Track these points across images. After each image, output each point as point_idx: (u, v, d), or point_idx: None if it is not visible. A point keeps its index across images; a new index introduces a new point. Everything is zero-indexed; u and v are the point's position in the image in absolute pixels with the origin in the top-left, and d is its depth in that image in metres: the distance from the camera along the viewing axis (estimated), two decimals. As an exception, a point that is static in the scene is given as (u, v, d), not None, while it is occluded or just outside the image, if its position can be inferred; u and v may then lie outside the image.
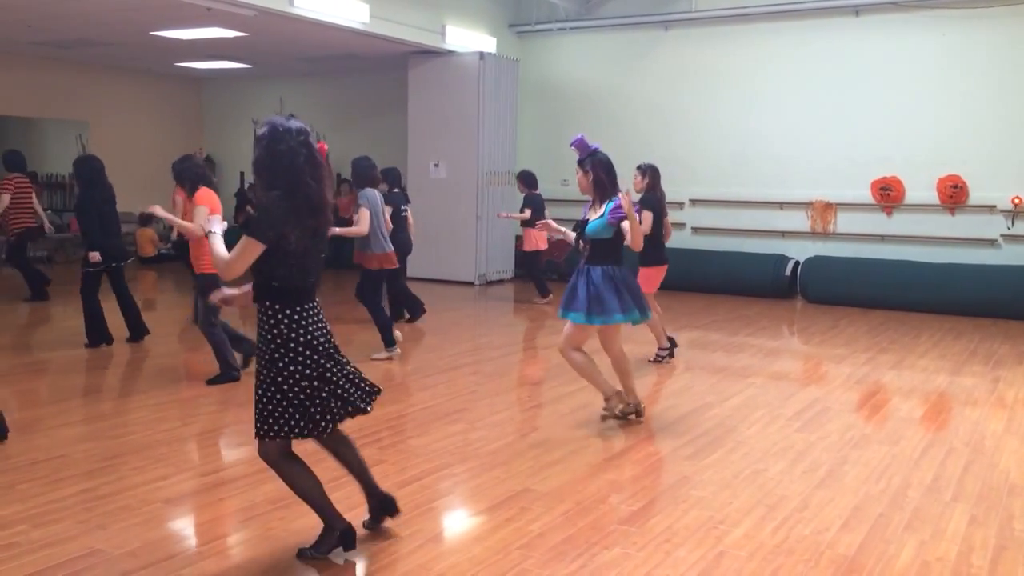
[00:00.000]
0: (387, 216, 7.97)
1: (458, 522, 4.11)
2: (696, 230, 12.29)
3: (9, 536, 3.69)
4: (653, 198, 7.15)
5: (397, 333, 7.64)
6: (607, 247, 5.20)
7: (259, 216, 3.24)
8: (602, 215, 5.16)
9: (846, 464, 4.85)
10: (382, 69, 13.99)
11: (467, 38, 12.15)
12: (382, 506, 3.77)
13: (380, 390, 3.63)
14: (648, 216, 7.01)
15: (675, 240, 12.18)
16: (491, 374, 7.12)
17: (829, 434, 5.43)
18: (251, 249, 3.22)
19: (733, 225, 11.98)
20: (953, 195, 10.64)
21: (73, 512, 3.97)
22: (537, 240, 10.46)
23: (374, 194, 7.28)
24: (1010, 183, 10.39)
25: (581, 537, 3.79)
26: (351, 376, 3.50)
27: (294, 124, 3.34)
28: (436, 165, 12.56)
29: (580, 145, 5.18)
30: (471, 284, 12.41)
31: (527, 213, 10.26)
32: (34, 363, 7.14)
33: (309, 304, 3.36)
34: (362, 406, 3.52)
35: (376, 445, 5.07)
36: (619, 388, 5.53)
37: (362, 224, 7.09)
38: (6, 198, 9.76)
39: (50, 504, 4.06)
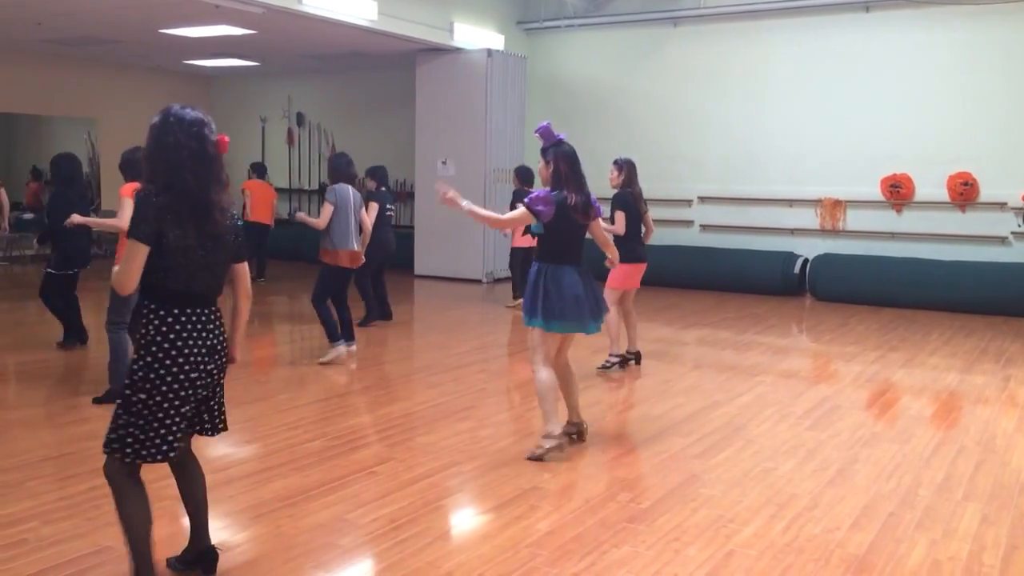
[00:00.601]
0: (370, 214, 7.93)
1: (467, 520, 4.10)
2: (704, 227, 12.26)
3: (19, 533, 3.70)
4: (625, 196, 6.90)
5: (345, 348, 7.26)
6: (543, 240, 4.84)
7: (135, 213, 2.98)
8: None
9: (856, 463, 4.82)
10: (390, 66, 13.99)
11: (475, 35, 12.14)
12: (199, 559, 3.34)
13: (225, 428, 3.34)
14: (620, 216, 6.80)
15: (683, 238, 12.22)
16: (499, 372, 7.11)
17: (839, 432, 5.40)
18: (135, 251, 2.94)
19: (742, 222, 11.94)
20: (963, 192, 10.58)
21: (82, 509, 3.98)
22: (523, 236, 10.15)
23: (344, 189, 7.13)
24: (1021, 180, 10.32)
25: (590, 535, 3.78)
26: (210, 406, 3.24)
27: (188, 114, 3.06)
28: (444, 162, 12.55)
29: (544, 133, 4.83)
30: (479, 282, 12.40)
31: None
32: (37, 361, 7.15)
33: (191, 310, 3.06)
34: (204, 430, 3.26)
35: (385, 442, 5.07)
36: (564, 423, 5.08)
37: (322, 218, 6.99)
38: None
39: (59, 501, 4.07)
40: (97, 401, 5.78)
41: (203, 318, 3.11)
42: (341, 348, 7.17)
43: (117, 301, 5.90)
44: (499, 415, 5.71)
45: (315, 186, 15.70)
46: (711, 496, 4.28)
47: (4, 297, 10.50)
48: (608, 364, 6.95)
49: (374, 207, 8.50)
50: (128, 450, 3.01)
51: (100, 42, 12.81)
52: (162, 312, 3.03)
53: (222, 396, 3.31)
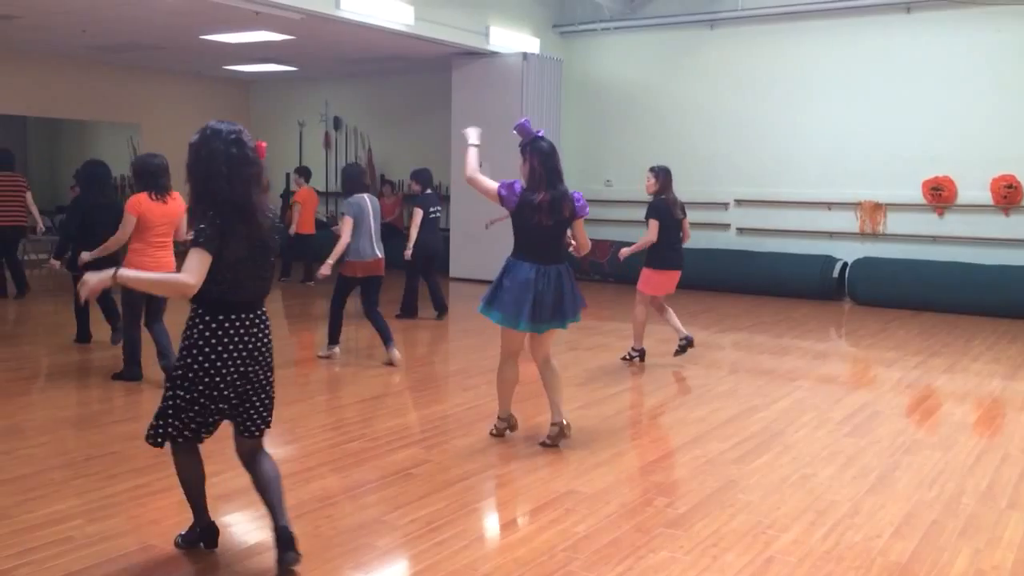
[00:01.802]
0: (415, 219, 8.06)
1: (503, 523, 4.11)
2: (741, 230, 12.17)
3: (65, 530, 3.78)
4: (658, 205, 7.01)
5: (395, 354, 7.18)
6: (514, 231, 4.80)
7: (204, 226, 3.13)
8: None
9: (897, 470, 4.76)
10: (426, 70, 14.07)
11: (511, 39, 12.16)
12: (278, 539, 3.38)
13: (267, 427, 3.55)
14: (653, 224, 6.94)
15: (720, 241, 12.14)
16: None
17: (880, 439, 5.33)
18: (202, 259, 3.11)
19: (779, 226, 11.83)
20: (1007, 195, 10.39)
21: (127, 507, 4.05)
22: None
23: (361, 199, 7.16)
24: (1068, 183, 10.12)
25: (626, 540, 3.77)
26: (252, 404, 3.44)
27: (223, 126, 3.23)
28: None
29: (522, 129, 4.76)
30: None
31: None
32: (82, 361, 7.29)
33: (236, 316, 3.26)
34: (246, 431, 3.48)
35: (421, 445, 5.10)
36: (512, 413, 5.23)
37: (344, 234, 7.01)
38: None
39: (104, 499, 4.15)
40: (115, 377, 6.38)
41: (246, 322, 3.29)
42: (336, 351, 7.39)
43: (131, 304, 6.20)
44: (535, 418, 5.71)
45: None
46: (749, 502, 4.25)
47: (49, 298, 10.72)
48: (629, 356, 7.33)
49: (418, 212, 8.64)
50: (160, 438, 3.37)
51: (143, 48, 13.04)
52: (207, 318, 3.23)
53: (268, 397, 3.48)
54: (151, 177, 6.00)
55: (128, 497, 4.18)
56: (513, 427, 5.27)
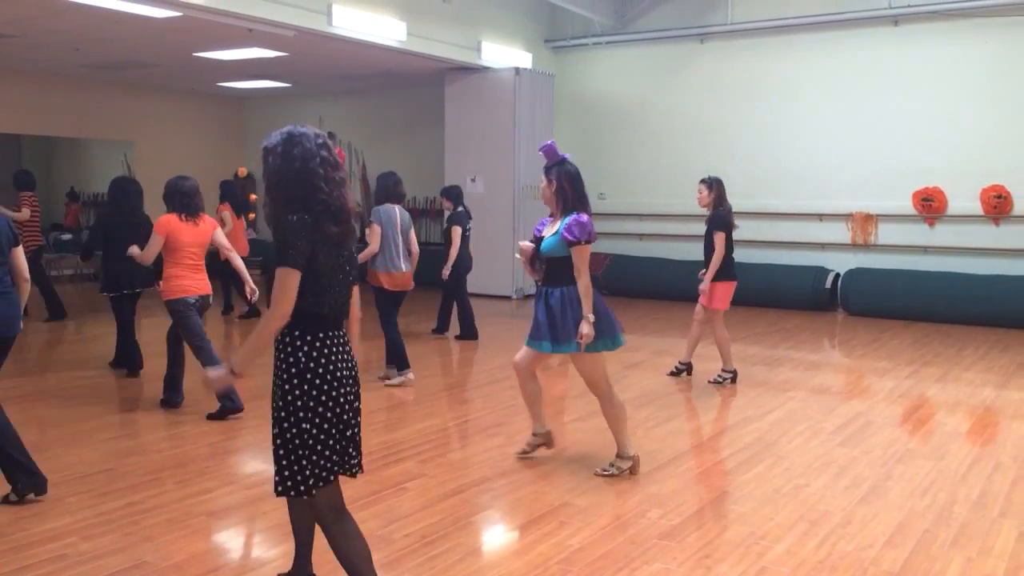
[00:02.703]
0: (454, 239, 8.04)
1: (498, 536, 4.12)
2: (735, 242, 12.20)
3: (59, 548, 3.78)
4: (722, 215, 6.88)
5: (409, 376, 7.12)
6: (564, 266, 4.60)
7: (286, 240, 2.82)
8: (556, 231, 4.62)
9: (890, 479, 4.78)
10: (419, 85, 14.14)
11: (503, 54, 12.24)
12: None
13: (362, 470, 3.15)
14: (720, 237, 6.80)
15: (713, 253, 12.16)
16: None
17: (872, 449, 5.35)
18: (291, 280, 2.80)
19: (772, 237, 11.88)
20: (997, 205, 10.46)
21: (120, 525, 4.05)
22: None
23: (391, 210, 6.97)
24: (1057, 192, 10.20)
25: (620, 552, 3.79)
26: (355, 438, 3.04)
27: (309, 130, 3.00)
28: (473, 180, 12.63)
29: (549, 151, 4.72)
30: (508, 298, 12.44)
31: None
32: (78, 379, 7.29)
33: (334, 333, 2.94)
34: (351, 468, 3.06)
35: (416, 459, 5.11)
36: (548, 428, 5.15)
37: (372, 243, 6.84)
38: (26, 212, 9.84)
39: (98, 517, 4.15)
40: (210, 417, 5.93)
41: (342, 340, 2.98)
42: (410, 376, 7.06)
43: (193, 330, 5.96)
44: (529, 432, 5.71)
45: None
46: (742, 513, 4.26)
47: (46, 316, 10.70)
48: (720, 379, 7.06)
49: (457, 229, 8.59)
50: (302, 485, 2.90)
51: (136, 66, 13.08)
52: (308, 337, 2.88)
53: (359, 430, 3.10)
54: (182, 197, 5.96)
55: (122, 514, 4.18)
56: (550, 444, 5.13)
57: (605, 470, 4.80)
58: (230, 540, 4.01)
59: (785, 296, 11.35)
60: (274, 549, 3.85)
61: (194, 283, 5.95)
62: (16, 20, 9.79)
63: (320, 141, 2.97)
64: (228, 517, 4.21)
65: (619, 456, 4.83)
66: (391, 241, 6.91)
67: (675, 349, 8.45)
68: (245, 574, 3.57)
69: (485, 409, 6.28)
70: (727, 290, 7.00)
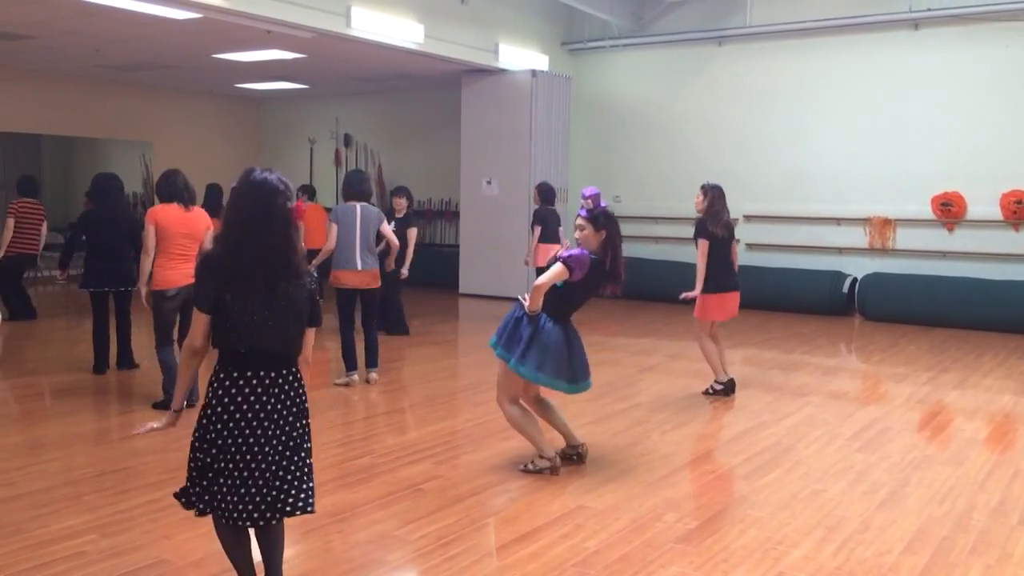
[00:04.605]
0: (412, 236, 8.02)
1: (513, 538, 4.11)
2: (751, 246, 12.16)
3: (79, 545, 3.80)
4: (702, 222, 6.73)
5: (372, 377, 7.17)
6: (550, 295, 4.71)
7: (196, 281, 3.01)
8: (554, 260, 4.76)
9: (908, 485, 4.75)
10: (435, 87, 14.17)
11: (519, 56, 12.25)
12: None
13: (311, 509, 3.07)
14: (702, 244, 6.66)
15: (729, 256, 12.12)
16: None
17: (890, 455, 5.32)
18: (197, 318, 2.99)
19: (788, 241, 11.84)
20: (1017, 211, 10.38)
21: (140, 522, 4.08)
22: (547, 255, 10.02)
23: (348, 208, 6.89)
24: (1078, 198, 10.11)
25: (636, 555, 3.78)
26: (270, 483, 2.97)
27: (267, 179, 2.99)
28: (488, 182, 12.65)
29: (595, 198, 4.88)
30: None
31: (536, 231, 9.78)
32: (95, 378, 7.33)
33: (253, 372, 2.94)
34: (244, 521, 2.99)
35: (431, 460, 5.12)
36: (560, 445, 5.12)
37: (329, 241, 6.80)
38: (11, 223, 9.61)
39: (117, 514, 4.18)
40: (155, 406, 6.11)
41: (265, 381, 2.97)
42: (355, 377, 7.06)
43: (158, 323, 6.09)
44: (544, 434, 5.71)
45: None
46: (759, 518, 4.25)
47: (62, 314, 10.80)
48: (712, 390, 6.85)
49: (414, 231, 8.68)
50: (182, 499, 3.06)
51: (155, 67, 13.18)
52: (222, 374, 2.96)
53: (302, 471, 3.04)
54: (173, 189, 6.02)
55: (141, 512, 4.21)
56: (582, 456, 5.10)
57: (525, 467, 4.91)
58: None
59: (802, 300, 11.30)
60: (291, 548, 3.85)
61: (178, 274, 5.96)
62: (37, 22, 9.88)
63: (267, 188, 2.98)
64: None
65: (540, 456, 4.91)
66: (346, 240, 6.84)
67: (689, 352, 8.43)
68: (262, 573, 3.58)
69: (499, 412, 6.27)
70: (712, 302, 6.74)
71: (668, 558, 3.75)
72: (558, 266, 4.68)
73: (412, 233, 8.78)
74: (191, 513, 3.08)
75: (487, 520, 4.23)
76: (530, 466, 4.90)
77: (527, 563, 3.70)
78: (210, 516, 3.09)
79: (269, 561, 3.18)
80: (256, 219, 2.95)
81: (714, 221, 6.73)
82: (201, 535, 3.92)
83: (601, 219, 4.78)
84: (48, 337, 9.52)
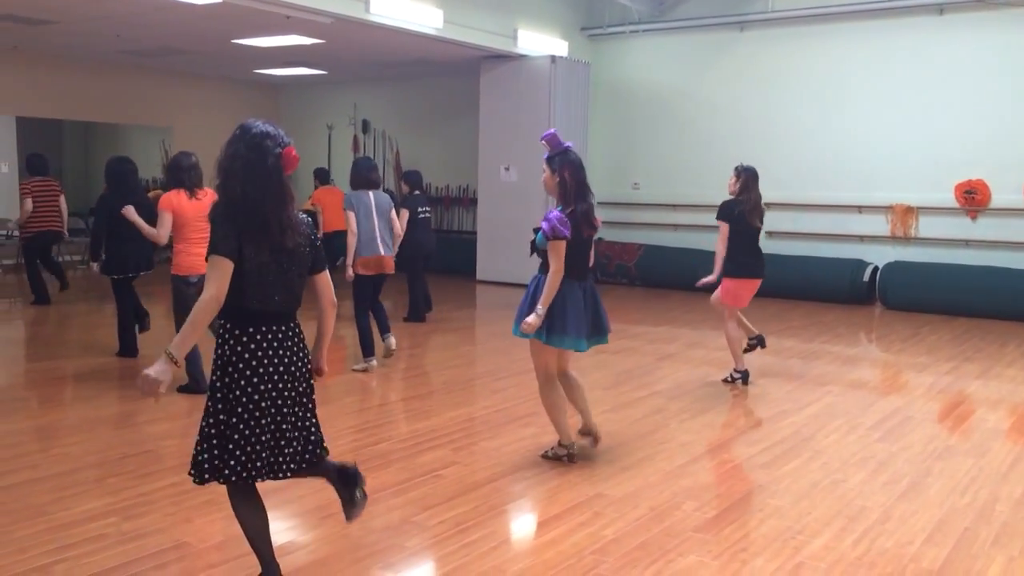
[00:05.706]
0: (401, 219, 7.91)
1: (531, 525, 4.12)
2: (771, 234, 12.03)
3: (100, 527, 3.84)
4: (727, 205, 6.59)
5: (391, 342, 7.21)
6: (546, 257, 4.57)
7: (217, 230, 2.93)
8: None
9: (929, 476, 4.71)
10: (454, 73, 14.12)
11: (539, 42, 12.18)
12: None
13: (321, 455, 3.22)
14: (723, 227, 6.53)
15: (749, 244, 12.05)
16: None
17: (911, 445, 5.28)
18: (222, 267, 2.89)
19: (810, 229, 11.73)
20: (1043, 198, 10.24)
21: (161, 505, 4.11)
22: None
23: (363, 195, 6.95)
24: (1105, 186, 9.95)
25: (655, 543, 3.77)
26: (296, 433, 3.11)
27: (255, 127, 3.01)
28: (507, 169, 12.61)
29: (551, 140, 4.64)
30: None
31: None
32: (116, 361, 7.38)
33: (267, 328, 3.00)
34: (284, 473, 3.12)
35: (449, 447, 5.12)
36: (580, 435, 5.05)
37: (350, 228, 6.84)
38: (28, 203, 9.72)
39: (139, 497, 4.21)
40: (180, 390, 6.08)
41: (279, 336, 3.04)
42: (373, 363, 7.08)
43: (179, 308, 6.08)
44: (568, 424, 5.71)
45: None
46: (779, 507, 4.22)
47: (83, 299, 10.88)
48: (731, 378, 6.79)
49: (405, 214, 8.62)
50: (206, 474, 3.04)
51: (175, 53, 13.21)
52: (237, 331, 2.99)
53: (313, 422, 3.19)
54: (179, 172, 6.05)
55: (162, 495, 4.24)
56: (596, 439, 5.04)
57: (546, 454, 4.90)
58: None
59: (822, 289, 11.21)
60: (309, 533, 3.88)
61: (199, 260, 5.91)
62: (58, 7, 9.92)
63: (255, 142, 2.98)
64: (265, 500, 4.23)
65: (559, 444, 4.90)
66: (367, 226, 6.90)
67: (708, 340, 8.41)
68: (281, 556, 3.59)
69: (518, 398, 6.28)
70: (735, 287, 6.61)
71: (687, 546, 3.74)
72: (554, 244, 4.48)
73: (401, 215, 8.71)
74: (211, 496, 3.10)
75: (505, 507, 4.23)
76: (550, 453, 4.91)
77: (545, 550, 3.70)
78: (228, 500, 3.10)
79: (336, 472, 3.27)
80: (245, 163, 2.96)
81: (748, 206, 6.57)
82: (222, 518, 3.94)
83: (555, 161, 4.63)
84: (69, 322, 9.61)
